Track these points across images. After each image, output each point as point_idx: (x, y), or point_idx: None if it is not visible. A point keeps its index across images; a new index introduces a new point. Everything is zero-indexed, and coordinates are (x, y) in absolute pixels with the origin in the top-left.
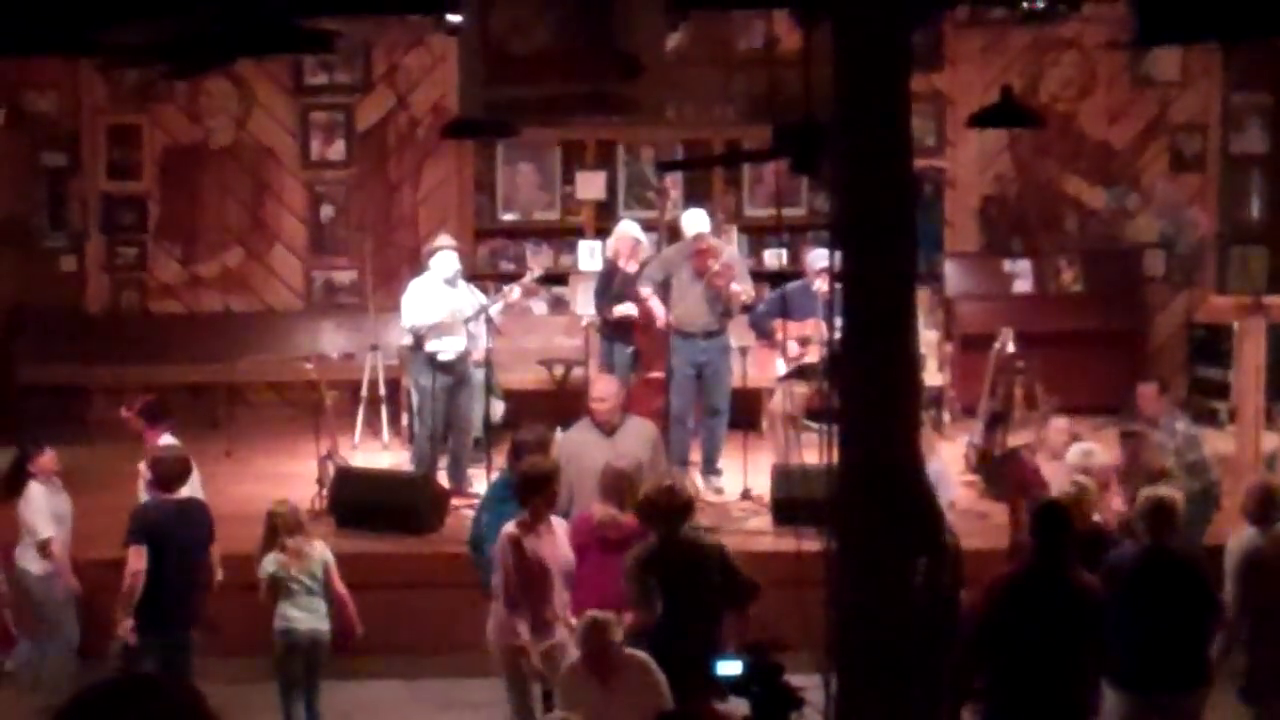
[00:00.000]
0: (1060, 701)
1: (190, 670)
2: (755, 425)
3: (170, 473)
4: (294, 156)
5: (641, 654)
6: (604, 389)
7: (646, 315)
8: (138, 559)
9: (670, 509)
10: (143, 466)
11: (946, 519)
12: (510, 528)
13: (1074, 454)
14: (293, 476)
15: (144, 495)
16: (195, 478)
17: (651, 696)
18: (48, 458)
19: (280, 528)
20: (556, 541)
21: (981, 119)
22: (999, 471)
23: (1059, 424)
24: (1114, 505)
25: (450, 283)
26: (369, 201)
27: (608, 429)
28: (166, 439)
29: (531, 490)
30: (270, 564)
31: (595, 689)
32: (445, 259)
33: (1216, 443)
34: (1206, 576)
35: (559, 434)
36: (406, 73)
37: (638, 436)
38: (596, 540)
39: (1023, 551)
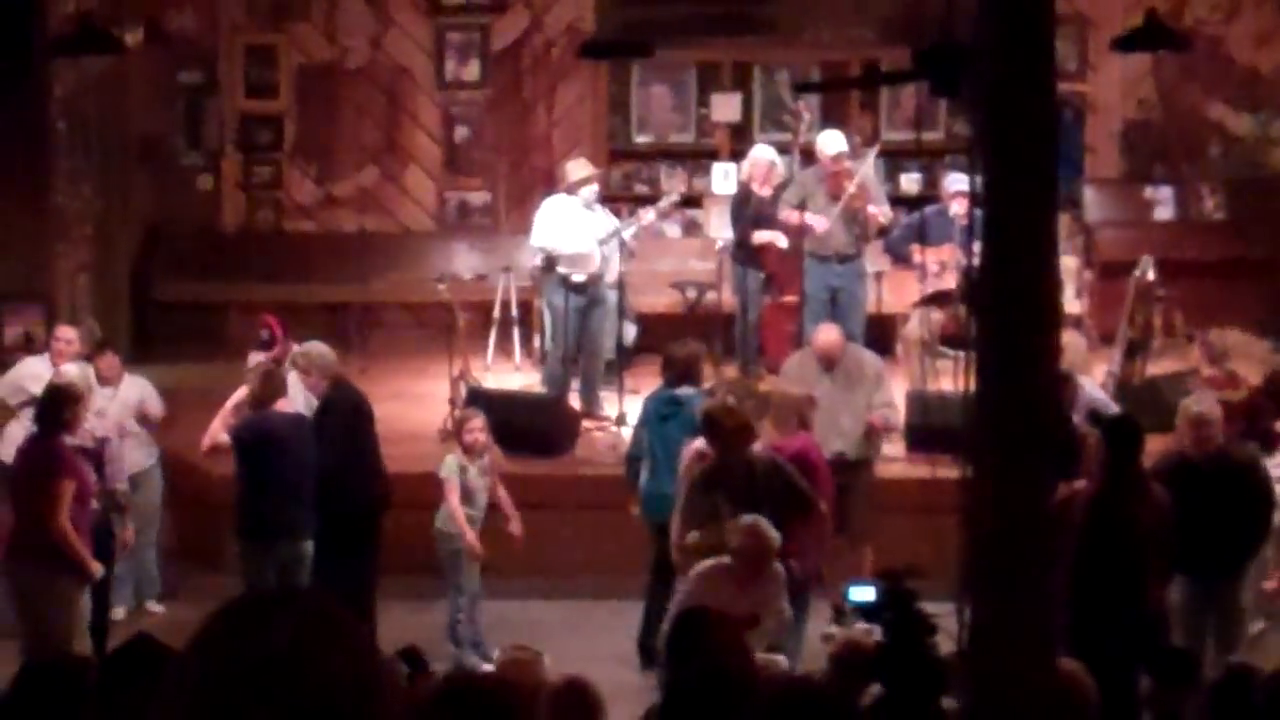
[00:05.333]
0: (1133, 607)
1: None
2: (889, 351)
3: (265, 389)
4: (429, 77)
5: (780, 569)
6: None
7: (801, 231)
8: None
9: (729, 428)
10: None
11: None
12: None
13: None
14: (426, 396)
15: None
16: (299, 394)
17: (774, 617)
18: (103, 360)
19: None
20: None
21: (1125, 42)
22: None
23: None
24: None
25: (586, 206)
26: (503, 122)
27: (828, 365)
28: (256, 357)
29: None
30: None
31: (732, 591)
32: (589, 188)
33: None
34: None
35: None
36: None
37: (858, 369)
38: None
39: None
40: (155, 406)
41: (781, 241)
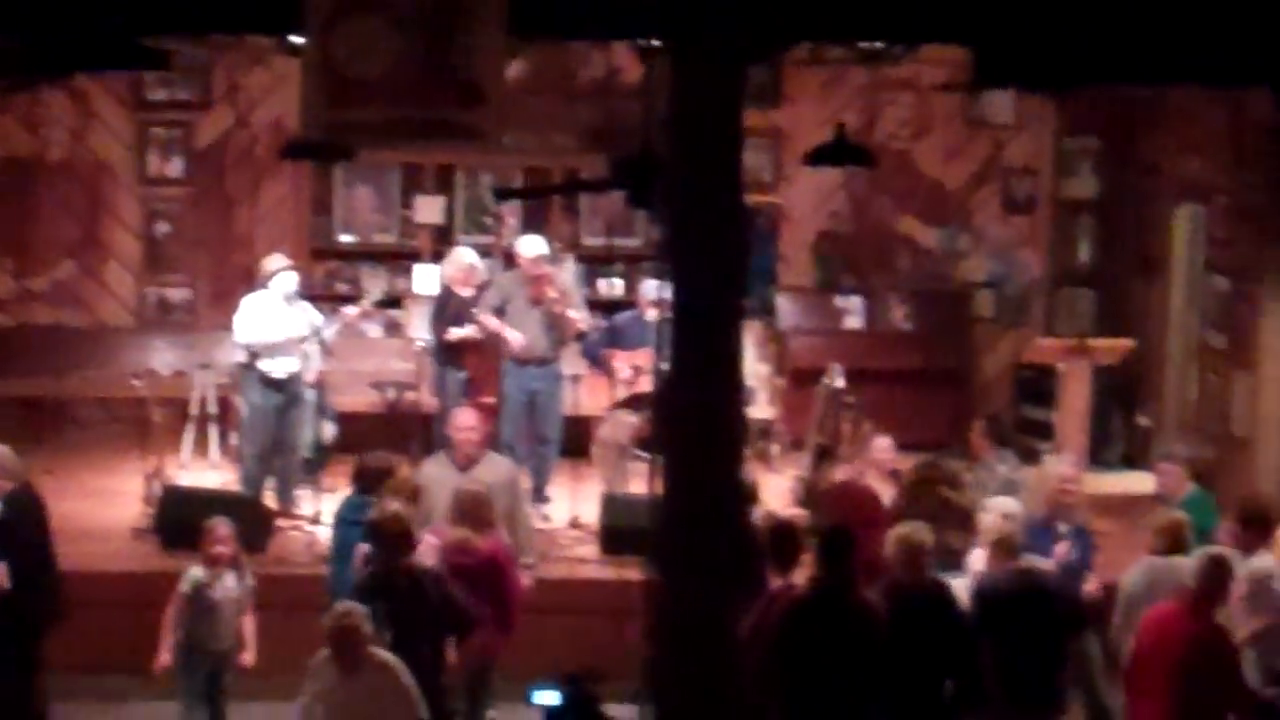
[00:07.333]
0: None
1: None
2: (585, 453)
3: None
4: (131, 172)
5: (393, 657)
6: (468, 419)
7: (496, 339)
8: None
9: (391, 535)
10: None
11: None
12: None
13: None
14: (119, 494)
15: None
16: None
17: (396, 698)
18: None
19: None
20: None
21: (816, 156)
22: (826, 504)
23: (882, 442)
24: None
25: (288, 300)
26: (205, 219)
27: (463, 464)
28: None
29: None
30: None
31: (339, 681)
32: (285, 278)
33: None
34: None
35: (424, 467)
36: (247, 92)
37: (493, 474)
38: (448, 565)
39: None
40: None
41: (477, 334)
